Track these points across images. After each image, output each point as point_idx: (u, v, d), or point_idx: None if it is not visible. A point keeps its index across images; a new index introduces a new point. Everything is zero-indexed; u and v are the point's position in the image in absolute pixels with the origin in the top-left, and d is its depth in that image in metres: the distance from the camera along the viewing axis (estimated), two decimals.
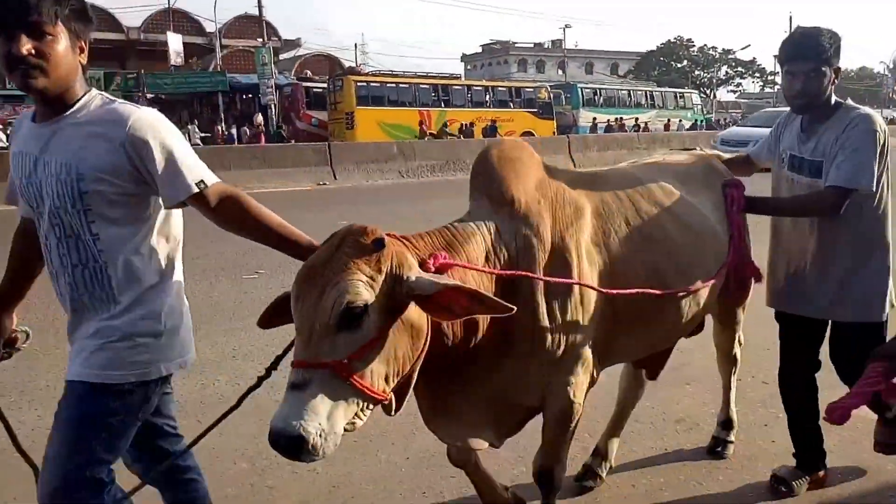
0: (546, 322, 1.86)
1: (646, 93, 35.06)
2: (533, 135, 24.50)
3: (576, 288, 1.90)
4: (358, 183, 14.25)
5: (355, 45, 48.35)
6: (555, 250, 1.89)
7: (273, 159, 14.01)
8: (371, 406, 1.53)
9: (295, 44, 36.04)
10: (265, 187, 12.67)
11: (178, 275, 1.75)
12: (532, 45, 61.93)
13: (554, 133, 25.68)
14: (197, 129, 17.48)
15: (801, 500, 2.55)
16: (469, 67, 61.36)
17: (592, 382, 2.06)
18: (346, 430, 1.50)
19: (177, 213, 1.74)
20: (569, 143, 18.95)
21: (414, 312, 1.55)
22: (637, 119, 30.24)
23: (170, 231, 1.73)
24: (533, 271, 1.83)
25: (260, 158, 13.92)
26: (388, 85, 24.55)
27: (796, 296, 2.50)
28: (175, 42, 29.27)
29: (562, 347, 1.90)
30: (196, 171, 1.61)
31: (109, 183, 1.56)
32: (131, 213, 1.62)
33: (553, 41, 60.71)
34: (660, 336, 2.33)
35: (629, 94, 33.93)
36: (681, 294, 2.17)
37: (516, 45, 60.64)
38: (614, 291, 1.94)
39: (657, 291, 2.05)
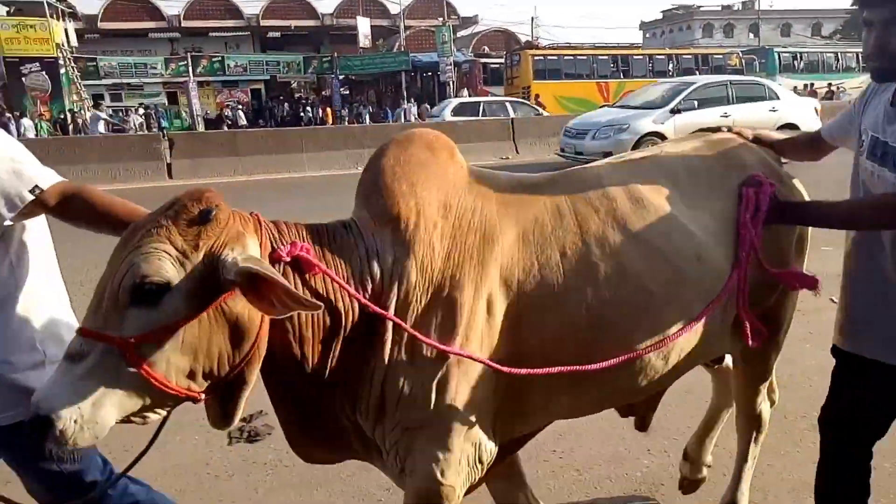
0: (399, 385, 1.46)
1: (857, 55, 31.18)
2: None
3: (458, 343, 1.47)
4: (539, 157, 14.41)
5: (531, 18, 48.20)
6: (440, 292, 1.48)
7: (459, 134, 14.67)
8: (171, 402, 1.31)
9: (472, 21, 36.84)
10: None
11: (43, 297, 1.58)
12: (720, 8, 57.35)
13: None
14: (414, 108, 18.26)
15: None
16: (648, 36, 58.40)
17: (486, 459, 1.58)
18: (133, 422, 1.30)
19: (39, 229, 1.61)
20: None
21: (240, 306, 1.30)
22: (830, 84, 27.20)
23: (27, 250, 1.57)
24: (401, 316, 1.45)
25: (447, 133, 14.62)
26: (564, 58, 24.36)
27: (853, 332, 1.83)
28: (364, 25, 31.34)
29: (424, 414, 1.47)
30: (28, 176, 1.46)
31: None
32: None
33: (743, 2, 55.79)
34: (618, 395, 1.82)
35: (836, 58, 30.46)
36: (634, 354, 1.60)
37: (701, 8, 56.53)
38: (523, 371, 1.50)
39: (576, 368, 1.52)
